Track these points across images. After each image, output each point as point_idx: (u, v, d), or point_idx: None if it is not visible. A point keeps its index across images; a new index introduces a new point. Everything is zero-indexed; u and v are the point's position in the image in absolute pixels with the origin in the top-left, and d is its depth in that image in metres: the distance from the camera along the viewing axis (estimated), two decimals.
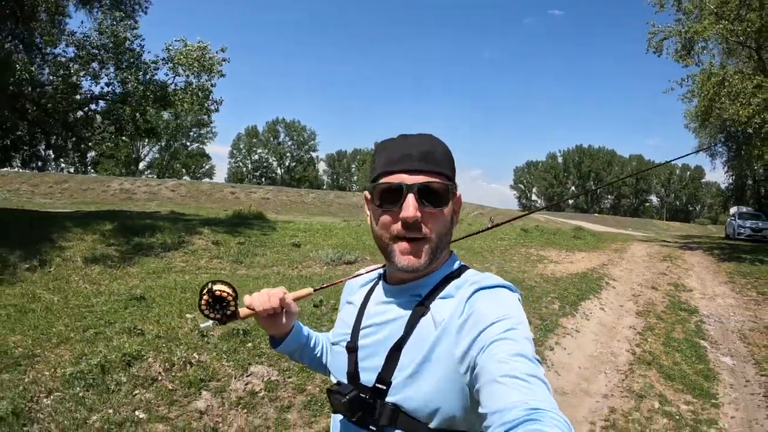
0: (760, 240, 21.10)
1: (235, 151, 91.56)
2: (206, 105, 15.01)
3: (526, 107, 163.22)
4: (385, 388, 1.07)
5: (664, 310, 7.23)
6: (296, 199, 39.78)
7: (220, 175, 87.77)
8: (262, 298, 1.25)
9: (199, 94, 14.47)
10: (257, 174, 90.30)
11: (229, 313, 1.25)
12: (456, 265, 1.16)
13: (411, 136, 1.13)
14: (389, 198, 1.07)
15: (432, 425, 1.01)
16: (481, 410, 0.85)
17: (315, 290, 1.40)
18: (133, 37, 14.16)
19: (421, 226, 1.06)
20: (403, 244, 1.07)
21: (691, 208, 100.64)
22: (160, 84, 14.34)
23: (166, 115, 16.15)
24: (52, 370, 4.01)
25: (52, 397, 3.72)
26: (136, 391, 3.88)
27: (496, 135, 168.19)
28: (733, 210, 25.97)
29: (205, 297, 1.25)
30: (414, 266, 1.07)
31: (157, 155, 72.40)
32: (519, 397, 0.80)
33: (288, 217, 16.56)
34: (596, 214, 75.80)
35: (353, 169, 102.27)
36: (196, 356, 4.30)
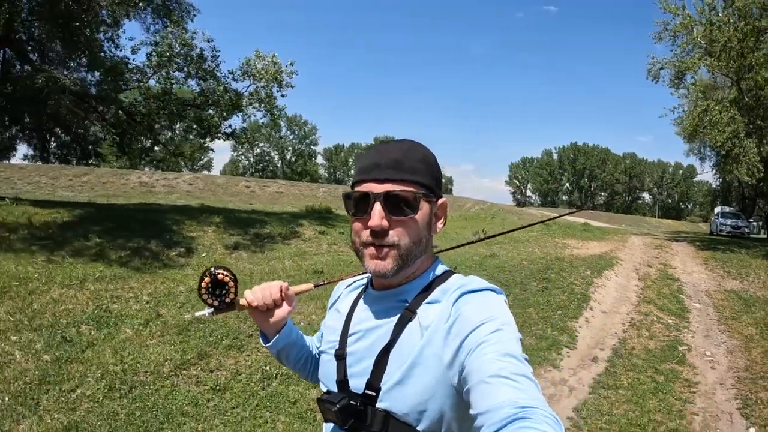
0: (738, 236, 24.69)
1: (237, 145, 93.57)
2: (272, 110, 16.78)
3: (519, 103, 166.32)
4: (374, 394, 1.09)
5: (656, 278, 10.75)
6: (308, 193, 41.99)
7: (216, 168, 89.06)
8: (264, 293, 1.28)
9: (267, 102, 16.16)
10: (259, 167, 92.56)
11: (228, 300, 1.27)
12: (440, 271, 1.19)
13: (388, 143, 1.15)
14: (359, 206, 1.11)
15: (421, 428, 1.04)
16: (471, 412, 0.87)
17: (316, 286, 1.41)
18: (211, 48, 15.78)
19: (389, 234, 1.09)
20: (371, 249, 1.11)
21: (683, 206, 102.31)
22: (236, 92, 15.99)
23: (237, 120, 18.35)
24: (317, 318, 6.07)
25: None
26: None
27: (488, 130, 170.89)
28: (717, 209, 29.59)
29: (207, 279, 1.27)
30: (381, 271, 1.10)
31: (158, 148, 73.33)
32: (508, 396, 0.82)
33: None
34: (590, 211, 79.18)
35: (350, 163, 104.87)
36: None
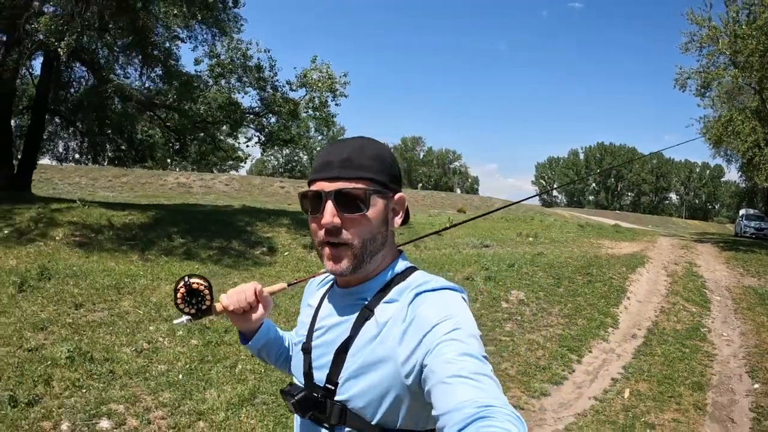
0: (762, 237, 25.75)
1: (235, 143, 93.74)
2: (326, 118, 18.00)
3: (544, 102, 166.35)
4: (333, 388, 1.14)
5: (682, 275, 12.31)
6: None
7: (242, 168, 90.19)
8: (239, 297, 1.30)
9: (321, 109, 17.21)
10: (288, 168, 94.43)
11: (204, 307, 1.30)
12: (402, 268, 1.20)
13: (340, 142, 1.18)
14: (312, 205, 1.14)
15: (375, 422, 1.10)
16: (434, 412, 0.90)
17: (289, 285, 1.43)
18: (269, 59, 16.78)
19: (342, 232, 1.11)
20: (327, 250, 1.14)
21: (710, 207, 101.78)
22: (294, 101, 16.96)
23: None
24: None
25: None
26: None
27: (512, 129, 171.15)
28: (741, 212, 30.68)
29: (182, 290, 1.29)
30: (337, 271, 1.13)
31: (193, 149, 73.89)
32: (469, 395, 0.84)
33: None
34: (617, 211, 79.94)
35: None
36: (513, 292, 9.38)
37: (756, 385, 6.42)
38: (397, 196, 1.19)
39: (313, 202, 1.14)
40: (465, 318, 1.03)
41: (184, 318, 1.30)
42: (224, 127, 18.58)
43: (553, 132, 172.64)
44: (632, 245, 16.30)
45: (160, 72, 16.86)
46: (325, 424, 1.15)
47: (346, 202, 1.10)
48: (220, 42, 16.65)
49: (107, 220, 11.46)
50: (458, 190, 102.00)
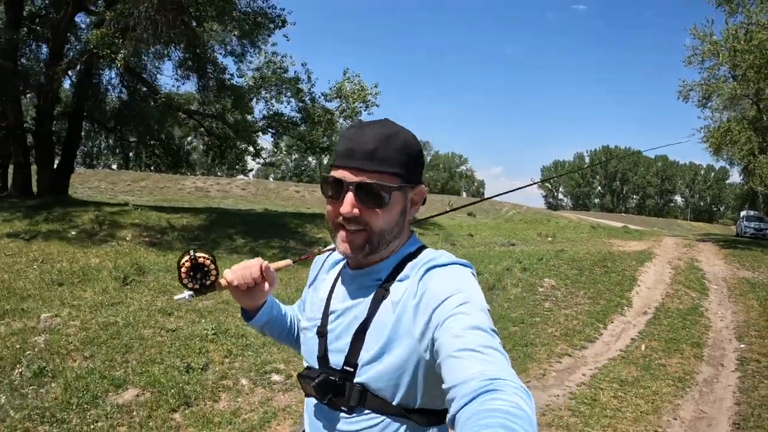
0: (761, 237, 27.46)
1: (275, 150, 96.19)
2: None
3: (550, 105, 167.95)
4: (352, 370, 1.15)
5: (685, 268, 14.16)
6: None
7: (250, 173, 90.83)
8: (244, 272, 1.31)
9: (353, 117, 18.47)
10: (297, 172, 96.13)
11: (208, 283, 1.30)
12: (413, 247, 1.23)
13: (367, 127, 1.16)
14: (333, 190, 1.15)
15: (396, 402, 1.11)
16: (443, 386, 0.91)
17: (294, 262, 1.45)
18: (306, 72, 18.32)
19: (360, 220, 1.13)
20: (342, 233, 1.16)
21: (715, 209, 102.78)
22: (330, 111, 18.43)
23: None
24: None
25: None
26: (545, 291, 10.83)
27: (517, 132, 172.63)
28: (742, 213, 32.53)
29: (187, 264, 1.28)
30: (350, 254, 1.17)
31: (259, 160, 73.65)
32: (477, 368, 0.85)
33: None
34: (623, 214, 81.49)
35: None
36: (546, 280, 11.29)
37: (742, 345, 8.29)
38: (418, 187, 1.20)
39: (334, 187, 1.15)
40: (474, 292, 1.05)
41: (186, 294, 1.30)
42: (268, 136, 20.38)
43: (559, 135, 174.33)
44: (640, 244, 18.16)
45: (213, 84, 18.27)
46: (343, 408, 1.17)
47: (367, 195, 1.12)
48: (250, 53, 18.17)
49: (167, 222, 12.59)
50: (464, 194, 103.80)
